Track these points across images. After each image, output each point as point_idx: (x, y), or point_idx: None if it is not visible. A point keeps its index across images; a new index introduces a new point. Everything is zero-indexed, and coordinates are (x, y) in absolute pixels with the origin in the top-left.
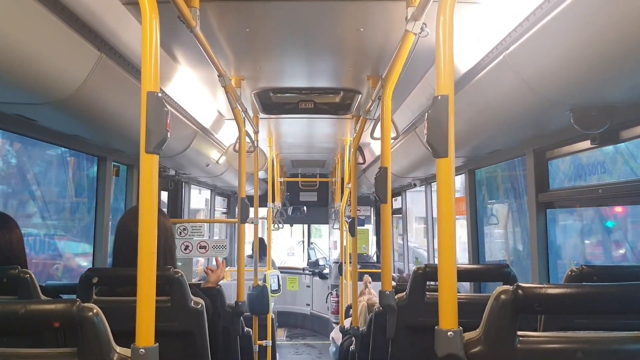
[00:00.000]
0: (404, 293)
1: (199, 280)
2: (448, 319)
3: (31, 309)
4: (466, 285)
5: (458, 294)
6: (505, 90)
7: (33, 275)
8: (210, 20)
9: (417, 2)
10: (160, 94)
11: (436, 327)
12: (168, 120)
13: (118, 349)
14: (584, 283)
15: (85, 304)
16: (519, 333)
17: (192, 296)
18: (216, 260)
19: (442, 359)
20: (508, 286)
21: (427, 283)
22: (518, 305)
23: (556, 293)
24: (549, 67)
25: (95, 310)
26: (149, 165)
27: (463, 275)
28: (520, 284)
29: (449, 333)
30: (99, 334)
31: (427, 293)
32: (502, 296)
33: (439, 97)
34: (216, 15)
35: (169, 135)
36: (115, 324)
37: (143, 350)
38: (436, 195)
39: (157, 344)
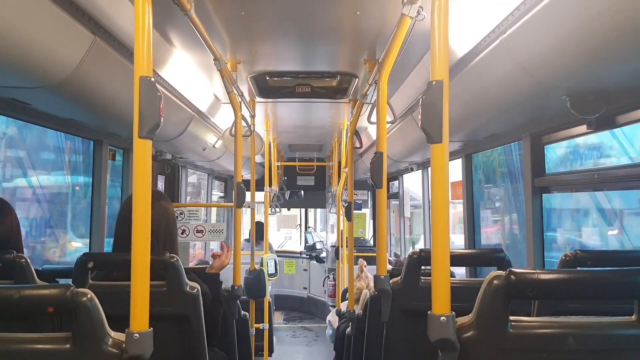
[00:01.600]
0: (399, 277)
1: (197, 265)
2: (441, 304)
3: (25, 294)
4: (462, 269)
5: (452, 279)
6: (502, 75)
7: (29, 260)
8: (205, 3)
9: None
10: (153, 79)
11: (429, 312)
12: (161, 105)
13: (112, 333)
14: (577, 268)
15: (80, 289)
16: (512, 318)
17: (187, 281)
18: (222, 245)
19: (434, 343)
20: (501, 271)
21: (422, 267)
22: (510, 291)
23: (548, 279)
24: (546, 52)
25: (89, 296)
26: (142, 150)
27: (456, 260)
28: (512, 269)
29: (441, 318)
30: (93, 318)
31: (422, 277)
32: (495, 281)
33: (434, 83)
34: None
35: (162, 120)
36: (112, 308)
37: (137, 334)
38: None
39: (152, 328)
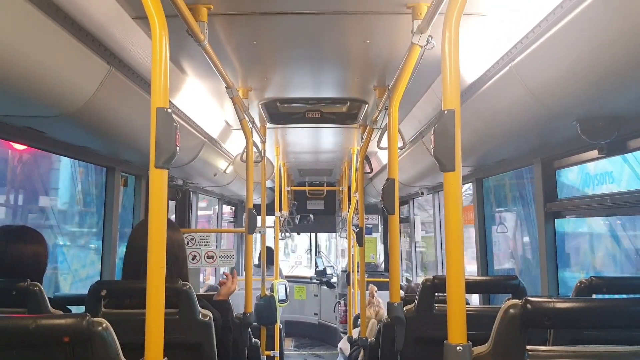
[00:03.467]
0: (413, 305)
1: (206, 291)
2: (457, 334)
3: (41, 324)
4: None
5: (467, 307)
6: (512, 101)
7: (42, 288)
8: (218, 34)
9: (423, 15)
10: (169, 110)
11: (445, 341)
12: (177, 136)
13: None
14: (593, 296)
15: (95, 319)
16: (528, 347)
17: (200, 309)
18: (225, 274)
19: None
20: (517, 300)
21: (436, 294)
22: (527, 320)
23: (565, 307)
24: (555, 78)
25: (104, 325)
26: (158, 180)
27: (471, 287)
28: (529, 297)
29: (457, 348)
30: (109, 348)
31: (436, 305)
32: (511, 310)
33: (446, 112)
34: (224, 28)
35: (178, 150)
36: (124, 336)
37: None
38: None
39: (166, 358)
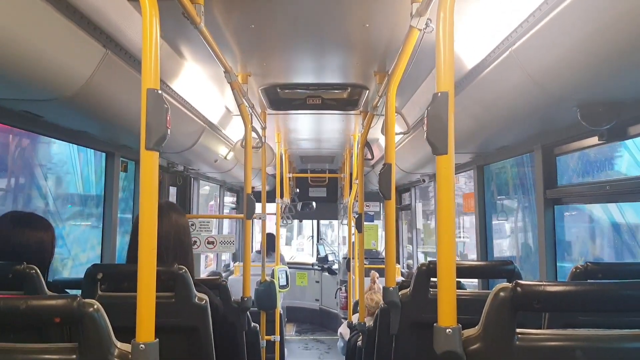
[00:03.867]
0: (408, 289)
1: (208, 276)
2: (447, 316)
3: (32, 305)
4: (476, 281)
5: (459, 291)
6: (512, 87)
7: (38, 271)
8: (215, 17)
9: None
10: (160, 91)
11: (435, 324)
12: (168, 117)
13: (119, 344)
14: (588, 280)
15: (86, 300)
16: (518, 330)
17: (196, 292)
18: None
19: (440, 355)
20: (507, 283)
21: (432, 279)
22: (517, 303)
23: (555, 291)
24: (555, 63)
25: (95, 306)
26: (149, 162)
27: (465, 272)
28: (519, 281)
29: (447, 330)
30: (100, 329)
31: (431, 290)
32: (501, 293)
33: (439, 94)
34: (221, 11)
35: (169, 132)
36: (120, 319)
37: (143, 345)
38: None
39: (157, 339)
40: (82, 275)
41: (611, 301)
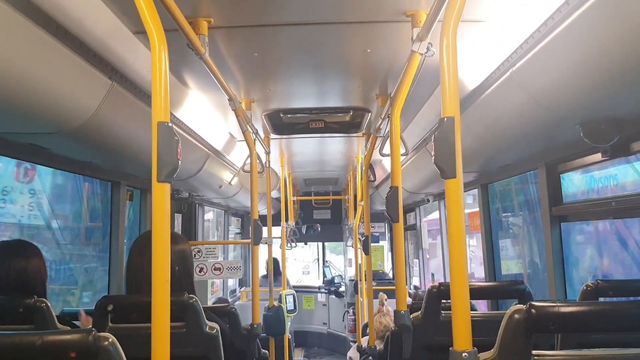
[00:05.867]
0: (419, 312)
1: (214, 303)
2: (462, 340)
3: (47, 340)
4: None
5: (472, 312)
6: (514, 106)
7: (49, 305)
8: (219, 46)
9: (422, 23)
10: (170, 124)
11: (450, 348)
12: (179, 149)
13: None
14: (600, 299)
15: (101, 334)
16: (534, 352)
17: (207, 321)
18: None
19: None
20: (521, 305)
21: (443, 301)
22: (532, 325)
23: (570, 312)
24: (556, 83)
25: (110, 340)
26: (161, 194)
27: (476, 293)
28: (533, 302)
29: (463, 354)
30: None
31: (443, 312)
32: (516, 316)
33: (445, 119)
34: (224, 41)
35: (180, 164)
36: (131, 350)
37: None
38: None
39: None
40: (89, 307)
41: (626, 320)
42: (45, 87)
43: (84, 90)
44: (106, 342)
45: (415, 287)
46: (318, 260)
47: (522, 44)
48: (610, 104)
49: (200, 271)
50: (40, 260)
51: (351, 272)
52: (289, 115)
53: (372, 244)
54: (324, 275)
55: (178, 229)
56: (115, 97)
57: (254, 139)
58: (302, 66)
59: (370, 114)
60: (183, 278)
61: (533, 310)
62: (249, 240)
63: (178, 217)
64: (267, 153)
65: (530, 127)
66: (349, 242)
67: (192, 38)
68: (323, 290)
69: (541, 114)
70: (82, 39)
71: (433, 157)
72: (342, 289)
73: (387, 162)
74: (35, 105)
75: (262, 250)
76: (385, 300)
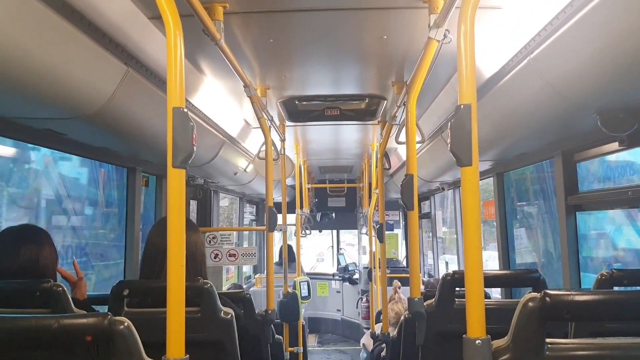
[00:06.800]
0: (433, 300)
1: (229, 289)
2: (476, 327)
3: (64, 324)
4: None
5: (486, 300)
6: (531, 94)
7: (65, 289)
8: (234, 32)
9: (440, 9)
10: (185, 110)
11: (464, 335)
12: (194, 135)
13: None
14: (614, 288)
15: (117, 317)
16: (548, 340)
17: (221, 306)
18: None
19: None
20: (535, 294)
21: (457, 289)
22: (546, 313)
23: (584, 300)
24: (574, 71)
25: (126, 324)
26: (176, 180)
27: (491, 281)
28: (547, 291)
29: (477, 341)
30: (131, 346)
31: (456, 300)
32: (530, 304)
33: (462, 106)
34: (240, 27)
35: (195, 150)
36: (146, 335)
37: None
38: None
39: (188, 355)
40: (104, 292)
41: None
42: (62, 73)
43: (99, 75)
44: (122, 326)
45: (429, 275)
46: (332, 248)
47: (540, 32)
48: (628, 93)
49: (215, 257)
50: (51, 246)
51: (365, 260)
52: (304, 103)
53: (386, 232)
54: (338, 263)
55: (193, 215)
56: (131, 82)
57: (269, 126)
58: (318, 53)
59: (386, 101)
60: (195, 263)
61: (547, 299)
62: (264, 227)
63: (193, 204)
64: (283, 140)
65: (548, 116)
66: (363, 230)
67: (207, 24)
68: (337, 277)
69: (559, 103)
70: (97, 24)
71: (449, 145)
72: (356, 276)
73: (402, 150)
74: (52, 91)
75: (276, 238)
76: (399, 287)
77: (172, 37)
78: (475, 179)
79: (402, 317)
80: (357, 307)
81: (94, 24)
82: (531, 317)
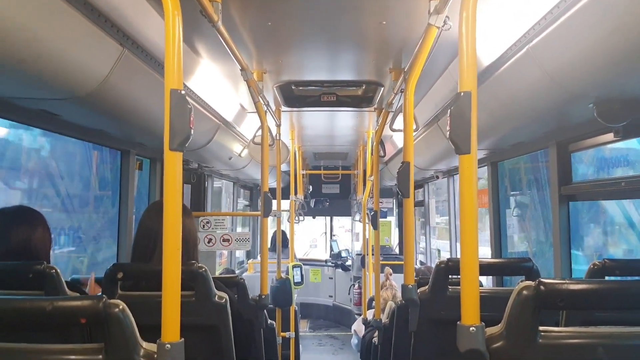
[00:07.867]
0: (426, 287)
1: (221, 274)
2: (470, 315)
3: (58, 306)
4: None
5: (480, 288)
6: (529, 83)
7: (59, 271)
8: (232, 15)
9: None
10: (183, 92)
11: (458, 322)
12: (192, 118)
13: (144, 344)
14: (606, 278)
15: (112, 300)
16: (541, 328)
17: (216, 291)
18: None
19: (464, 353)
20: (530, 282)
21: (450, 277)
22: (540, 301)
23: (578, 289)
24: (572, 60)
25: (121, 307)
26: (172, 163)
27: (485, 269)
28: (542, 279)
29: (470, 328)
30: (126, 329)
31: (450, 287)
32: (524, 292)
33: (462, 94)
34: (238, 9)
35: (192, 133)
36: (140, 318)
37: (169, 345)
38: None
39: (183, 339)
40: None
41: (634, 299)
42: (56, 52)
43: (94, 55)
44: (116, 309)
45: (421, 263)
46: (325, 234)
47: (540, 20)
48: (625, 84)
49: (209, 242)
50: (44, 228)
51: (358, 247)
52: (301, 88)
53: (380, 220)
54: (331, 249)
55: (187, 199)
56: (126, 63)
57: (265, 111)
58: (315, 37)
59: (382, 88)
60: (187, 247)
61: (542, 287)
62: (259, 213)
63: (187, 188)
64: (278, 125)
65: (545, 106)
66: (357, 217)
67: (205, 5)
68: (330, 263)
69: (556, 92)
70: (94, 3)
71: (448, 132)
72: (349, 262)
73: (397, 137)
74: (46, 70)
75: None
76: (390, 274)
77: (170, 17)
78: (473, 166)
79: (391, 304)
80: (349, 294)
81: (90, 3)
82: (525, 305)
